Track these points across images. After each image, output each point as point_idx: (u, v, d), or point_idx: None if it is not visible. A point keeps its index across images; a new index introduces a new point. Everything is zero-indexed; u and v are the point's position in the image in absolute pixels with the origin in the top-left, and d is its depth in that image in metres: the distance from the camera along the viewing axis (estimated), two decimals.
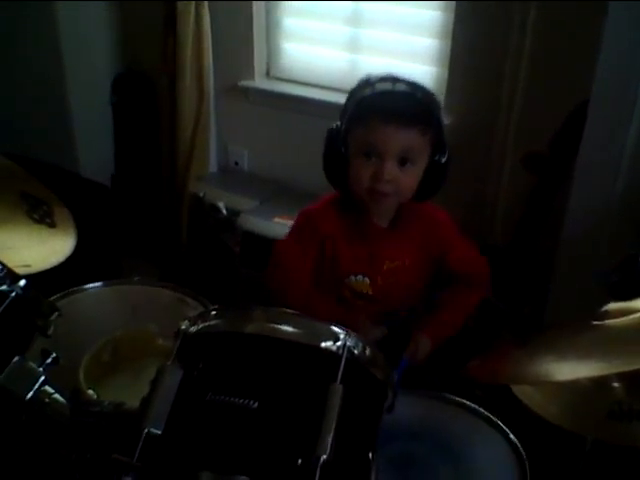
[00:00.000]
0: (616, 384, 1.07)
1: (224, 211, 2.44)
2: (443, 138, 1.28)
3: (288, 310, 0.88)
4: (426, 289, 1.43)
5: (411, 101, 1.25)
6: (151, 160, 2.72)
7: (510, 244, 2.04)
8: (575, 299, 1.77)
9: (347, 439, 0.78)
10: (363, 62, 2.32)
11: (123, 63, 2.70)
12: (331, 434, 0.75)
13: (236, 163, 2.73)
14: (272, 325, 0.85)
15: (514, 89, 2.06)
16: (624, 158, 1.71)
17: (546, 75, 1.98)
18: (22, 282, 0.95)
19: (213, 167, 2.75)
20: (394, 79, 1.26)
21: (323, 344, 0.82)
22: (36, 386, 0.87)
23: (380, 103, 1.24)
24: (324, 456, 0.74)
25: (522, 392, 1.11)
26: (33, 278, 0.97)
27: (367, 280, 1.35)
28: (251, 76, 2.52)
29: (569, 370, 1.02)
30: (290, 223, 1.41)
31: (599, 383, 1.08)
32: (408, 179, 1.26)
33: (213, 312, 0.90)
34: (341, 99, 1.35)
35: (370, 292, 1.36)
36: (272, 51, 2.52)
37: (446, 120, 1.39)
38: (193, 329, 0.87)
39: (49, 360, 0.91)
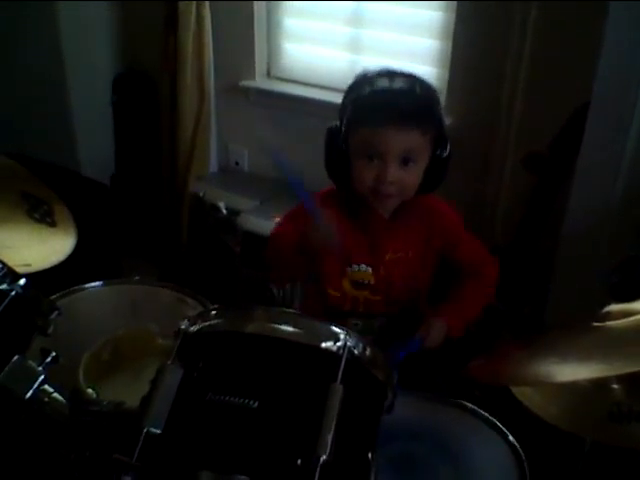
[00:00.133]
0: (616, 385, 1.07)
1: (224, 211, 2.44)
2: (444, 132, 1.27)
3: (288, 310, 0.88)
4: (429, 281, 1.43)
5: (410, 99, 1.24)
6: (151, 160, 2.72)
7: (510, 244, 2.04)
8: (575, 299, 1.78)
9: (347, 439, 0.78)
10: (364, 62, 2.31)
11: (124, 63, 2.70)
12: (331, 434, 0.75)
13: (236, 163, 2.73)
14: (272, 325, 0.85)
15: (514, 90, 2.06)
16: (624, 159, 1.71)
17: (546, 76, 1.98)
18: (22, 281, 0.95)
19: (213, 167, 2.75)
20: (391, 74, 1.25)
21: (323, 344, 0.82)
22: (36, 385, 0.87)
23: (379, 104, 1.23)
24: (324, 456, 0.74)
25: (521, 393, 1.11)
26: (33, 277, 0.98)
27: (369, 269, 1.35)
28: (252, 76, 2.52)
29: (570, 371, 1.01)
30: None
31: (599, 384, 1.07)
32: (411, 178, 1.26)
33: (213, 312, 0.90)
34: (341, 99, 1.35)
35: (372, 281, 1.36)
36: (273, 51, 2.52)
37: (446, 120, 1.38)
38: (193, 329, 0.87)
39: (49, 359, 0.91)
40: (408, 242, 1.36)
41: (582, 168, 1.77)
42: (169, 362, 0.84)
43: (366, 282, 1.36)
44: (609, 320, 1.07)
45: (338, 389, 0.78)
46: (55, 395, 0.88)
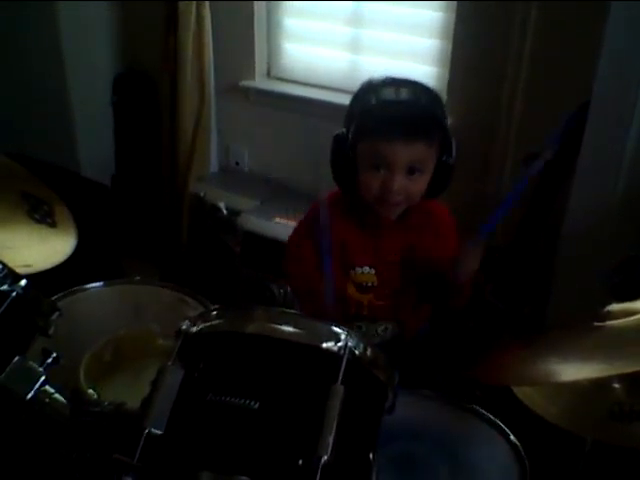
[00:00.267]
0: (617, 385, 1.07)
1: (224, 211, 2.45)
2: (450, 140, 1.28)
3: (289, 310, 0.88)
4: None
5: (416, 110, 1.25)
6: (152, 160, 2.72)
7: (511, 244, 2.04)
8: (575, 299, 1.77)
9: (348, 440, 0.78)
10: (364, 62, 2.32)
11: (124, 63, 2.70)
12: (332, 434, 0.75)
13: (237, 163, 2.73)
14: (273, 325, 0.85)
15: (515, 89, 2.06)
16: (624, 159, 1.71)
17: (547, 76, 1.98)
18: (23, 282, 0.95)
19: (214, 167, 2.75)
20: (397, 84, 1.26)
21: (324, 344, 0.82)
22: (36, 386, 0.87)
23: (386, 117, 1.23)
24: (325, 456, 0.74)
25: (522, 392, 1.11)
26: (34, 278, 0.97)
27: (372, 271, 1.36)
28: (252, 76, 2.52)
29: (572, 371, 1.01)
30: (290, 223, 1.42)
31: (600, 384, 1.07)
32: (417, 186, 1.27)
33: (214, 312, 0.90)
34: (342, 99, 1.35)
35: (376, 284, 1.37)
36: (273, 51, 2.52)
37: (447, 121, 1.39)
38: (194, 329, 0.87)
39: (50, 360, 0.91)
40: (411, 244, 1.36)
41: (582, 168, 1.77)
42: (170, 363, 0.84)
43: (370, 284, 1.37)
44: (610, 320, 1.07)
45: (339, 390, 0.78)
46: (56, 396, 0.88)
